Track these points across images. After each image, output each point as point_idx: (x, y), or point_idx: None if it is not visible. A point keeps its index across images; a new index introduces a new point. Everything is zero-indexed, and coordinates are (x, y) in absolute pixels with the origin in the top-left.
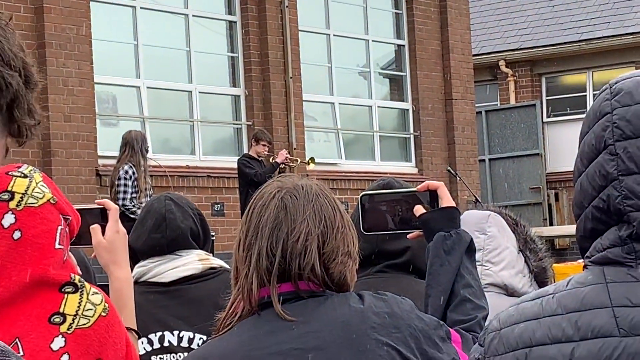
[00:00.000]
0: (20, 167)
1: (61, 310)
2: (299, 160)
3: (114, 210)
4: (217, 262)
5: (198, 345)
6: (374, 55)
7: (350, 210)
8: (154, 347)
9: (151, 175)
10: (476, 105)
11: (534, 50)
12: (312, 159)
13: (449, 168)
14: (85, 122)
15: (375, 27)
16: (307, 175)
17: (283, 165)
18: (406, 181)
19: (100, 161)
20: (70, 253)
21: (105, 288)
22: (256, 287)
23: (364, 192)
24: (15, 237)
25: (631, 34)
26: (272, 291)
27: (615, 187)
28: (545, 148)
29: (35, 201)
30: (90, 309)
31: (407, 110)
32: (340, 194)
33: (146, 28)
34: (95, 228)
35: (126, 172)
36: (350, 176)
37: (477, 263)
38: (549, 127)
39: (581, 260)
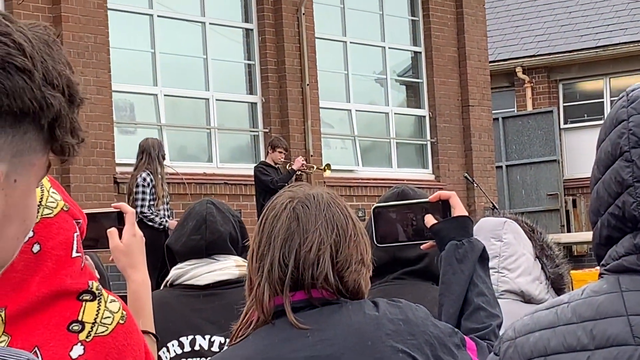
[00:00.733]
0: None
1: (80, 319)
2: (315, 167)
3: (130, 213)
4: None
5: None
6: (391, 62)
7: (368, 217)
8: (185, 350)
9: (168, 183)
10: (493, 111)
11: (551, 56)
12: (328, 165)
13: (465, 175)
14: (103, 129)
15: (392, 34)
16: (324, 182)
17: (299, 172)
18: (423, 188)
19: (118, 169)
20: (87, 256)
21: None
22: (267, 298)
23: (376, 204)
24: (35, 251)
25: None
26: (284, 300)
27: (630, 194)
28: (562, 154)
29: (50, 211)
30: (109, 317)
31: (424, 117)
32: (357, 201)
33: (163, 36)
34: (112, 231)
35: (144, 179)
36: (367, 183)
37: (493, 270)
38: (566, 133)
39: (599, 267)
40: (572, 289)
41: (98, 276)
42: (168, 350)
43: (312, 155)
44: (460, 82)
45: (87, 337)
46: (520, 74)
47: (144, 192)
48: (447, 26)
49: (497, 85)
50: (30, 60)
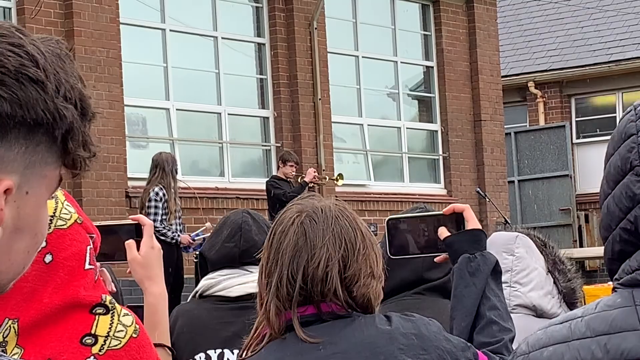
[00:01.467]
0: None
1: (93, 332)
2: (328, 177)
3: (148, 225)
4: None
5: None
6: (403, 77)
7: (380, 232)
8: None
9: (180, 197)
10: (505, 126)
11: (563, 71)
12: (340, 175)
13: (478, 189)
14: (115, 144)
15: (404, 48)
16: (336, 197)
17: (312, 184)
18: (435, 203)
19: (130, 183)
20: (104, 269)
21: (136, 309)
22: (275, 314)
23: (390, 217)
24: (47, 261)
25: None
26: (293, 316)
27: None
28: (574, 169)
29: (64, 223)
30: (122, 331)
31: (436, 131)
32: (369, 216)
33: (175, 50)
34: (130, 243)
35: (156, 193)
36: (379, 198)
37: (505, 284)
38: (578, 148)
39: (611, 283)
40: (585, 304)
41: (114, 289)
42: None
43: (324, 170)
44: (473, 96)
45: (100, 350)
46: (532, 89)
47: (156, 207)
48: (459, 41)
49: (509, 99)
50: (43, 72)
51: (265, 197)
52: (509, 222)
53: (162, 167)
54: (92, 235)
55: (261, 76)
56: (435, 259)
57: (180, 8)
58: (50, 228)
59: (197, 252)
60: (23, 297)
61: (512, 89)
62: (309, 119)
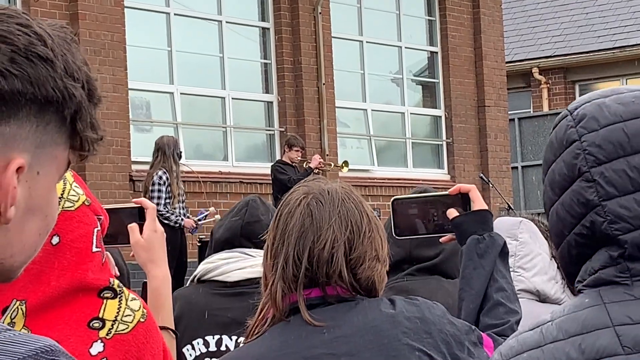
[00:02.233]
0: None
1: (100, 316)
2: (333, 164)
3: (151, 209)
4: None
5: None
6: (407, 62)
7: (383, 217)
8: (210, 349)
9: (184, 181)
10: (509, 112)
11: (568, 57)
12: (345, 162)
13: (481, 175)
14: (119, 127)
15: (408, 34)
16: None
17: (317, 170)
18: (438, 189)
19: (134, 167)
20: (108, 253)
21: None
22: (281, 295)
23: (395, 197)
24: (54, 242)
25: None
26: (299, 298)
27: (598, 214)
28: None
29: (72, 205)
30: (129, 315)
31: (440, 117)
32: (372, 201)
33: (180, 34)
34: (133, 227)
35: (160, 177)
36: (382, 183)
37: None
38: None
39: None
40: None
41: (118, 273)
42: (193, 348)
43: (327, 155)
44: (477, 82)
45: (107, 334)
46: (536, 75)
47: (159, 190)
48: (464, 26)
49: (514, 85)
50: (52, 52)
51: (269, 181)
52: (512, 208)
53: (164, 151)
54: (100, 217)
55: (265, 61)
56: (440, 239)
57: None
58: (58, 210)
59: (200, 237)
60: (30, 278)
61: (516, 74)
62: (313, 104)
